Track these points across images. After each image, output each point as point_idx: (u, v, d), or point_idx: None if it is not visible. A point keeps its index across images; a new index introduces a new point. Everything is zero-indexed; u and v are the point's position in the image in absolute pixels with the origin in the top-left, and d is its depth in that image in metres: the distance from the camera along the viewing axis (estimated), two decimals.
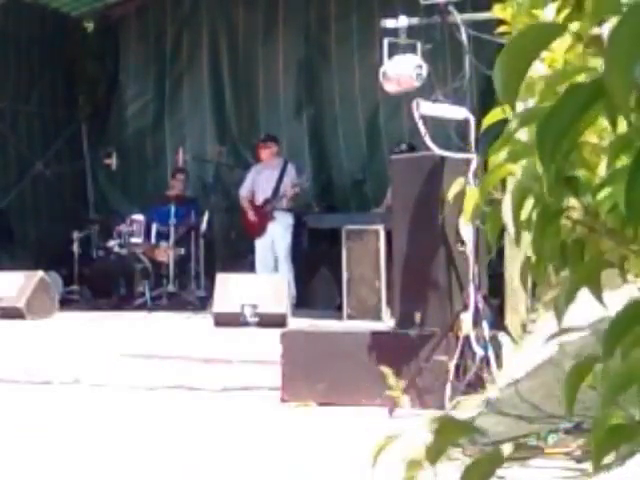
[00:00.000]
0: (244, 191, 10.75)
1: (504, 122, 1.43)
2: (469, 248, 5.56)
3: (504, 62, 1.05)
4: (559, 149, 1.04)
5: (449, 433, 1.28)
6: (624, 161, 1.14)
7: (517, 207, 1.29)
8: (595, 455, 1.10)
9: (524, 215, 1.27)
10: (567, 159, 1.11)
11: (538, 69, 1.38)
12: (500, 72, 1.06)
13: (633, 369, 1.06)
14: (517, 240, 1.34)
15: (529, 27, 1.07)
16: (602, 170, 1.26)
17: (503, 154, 1.34)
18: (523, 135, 1.30)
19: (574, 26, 1.19)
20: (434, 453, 1.29)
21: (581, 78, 1.21)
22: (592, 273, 1.20)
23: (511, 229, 1.33)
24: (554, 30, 1.05)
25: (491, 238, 1.43)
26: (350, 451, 4.42)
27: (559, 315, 1.25)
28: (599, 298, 1.23)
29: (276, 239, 10.42)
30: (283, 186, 10.50)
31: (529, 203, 1.27)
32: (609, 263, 1.20)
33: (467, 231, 5.49)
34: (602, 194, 1.19)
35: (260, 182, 10.65)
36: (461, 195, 1.73)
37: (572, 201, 1.24)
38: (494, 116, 1.46)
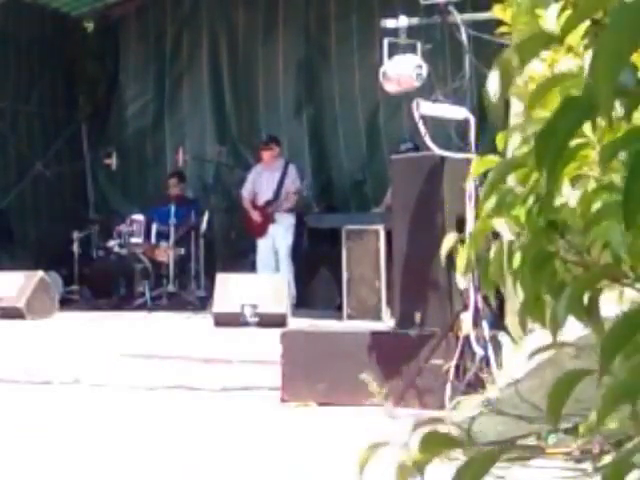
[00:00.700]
0: (245, 192, 10.76)
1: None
2: None
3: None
4: (560, 160, 1.04)
5: (435, 446, 1.28)
6: (611, 197, 1.15)
7: (508, 260, 1.30)
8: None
9: (515, 264, 1.28)
10: (553, 189, 1.10)
11: (537, 69, 1.38)
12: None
13: (634, 380, 1.03)
14: (515, 289, 1.35)
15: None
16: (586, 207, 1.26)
17: (492, 202, 1.35)
18: (512, 181, 1.31)
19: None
20: (421, 464, 1.29)
21: (571, 84, 1.21)
22: (589, 301, 1.20)
23: (508, 285, 1.34)
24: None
25: (488, 289, 1.44)
26: (350, 451, 4.42)
27: (554, 332, 1.25)
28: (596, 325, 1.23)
29: (277, 239, 10.43)
30: (284, 188, 10.51)
31: (518, 254, 1.28)
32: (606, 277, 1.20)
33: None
34: (593, 234, 1.19)
35: (261, 183, 10.65)
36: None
37: (561, 243, 1.25)
38: (485, 163, 1.46)
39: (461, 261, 1.58)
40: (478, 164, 1.49)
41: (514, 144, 1.33)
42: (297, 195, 10.46)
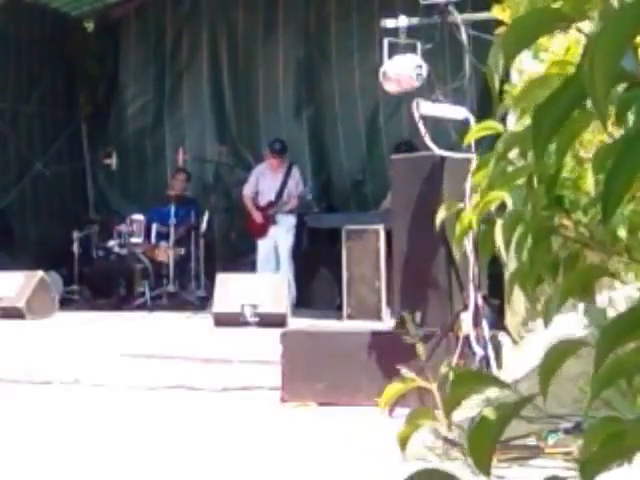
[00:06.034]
0: (248, 191, 10.75)
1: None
2: (469, 248, 5.57)
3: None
4: (553, 138, 1.04)
5: (467, 384, 1.28)
6: None
7: (509, 232, 1.30)
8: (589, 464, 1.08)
9: (516, 237, 1.28)
10: (561, 166, 1.10)
11: (537, 69, 1.38)
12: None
13: (622, 362, 1.04)
14: (508, 258, 1.35)
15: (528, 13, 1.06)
16: (589, 183, 1.26)
17: (496, 172, 1.35)
18: (515, 155, 1.31)
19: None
20: (451, 404, 1.29)
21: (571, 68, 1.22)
22: (585, 283, 1.20)
23: (504, 254, 1.34)
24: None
25: (484, 259, 1.45)
26: (350, 451, 4.42)
27: (547, 320, 1.25)
28: (592, 306, 1.23)
29: (279, 240, 10.44)
30: (287, 189, 10.51)
31: (521, 227, 1.28)
32: (602, 272, 1.19)
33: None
34: (594, 210, 1.19)
35: (264, 184, 10.66)
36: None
37: (563, 219, 1.25)
38: (484, 128, 1.46)
39: (459, 229, 1.57)
40: (477, 129, 1.49)
41: (513, 118, 1.34)
42: (299, 199, 10.47)
